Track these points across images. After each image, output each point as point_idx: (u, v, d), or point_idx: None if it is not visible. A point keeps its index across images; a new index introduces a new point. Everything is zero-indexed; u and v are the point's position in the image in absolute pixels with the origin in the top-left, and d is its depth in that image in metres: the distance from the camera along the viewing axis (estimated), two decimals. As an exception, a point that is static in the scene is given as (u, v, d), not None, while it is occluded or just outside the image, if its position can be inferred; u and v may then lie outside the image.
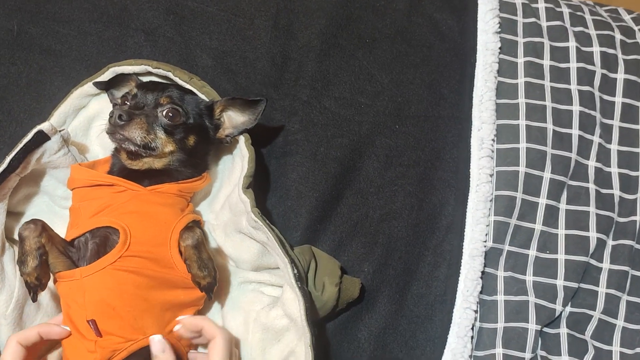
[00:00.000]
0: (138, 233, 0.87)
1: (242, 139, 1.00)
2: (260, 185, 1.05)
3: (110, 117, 0.89)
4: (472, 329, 1.09)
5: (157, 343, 0.83)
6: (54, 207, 1.04)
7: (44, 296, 0.97)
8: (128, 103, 0.96)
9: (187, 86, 1.01)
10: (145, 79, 1.06)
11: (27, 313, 0.96)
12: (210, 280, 0.86)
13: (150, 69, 1.02)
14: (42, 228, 0.86)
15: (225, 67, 1.19)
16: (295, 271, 0.91)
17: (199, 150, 0.98)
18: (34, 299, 0.86)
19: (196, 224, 0.93)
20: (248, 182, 0.97)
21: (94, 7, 1.18)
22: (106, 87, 1.04)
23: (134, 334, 0.85)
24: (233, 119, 1.00)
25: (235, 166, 1.04)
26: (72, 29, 1.17)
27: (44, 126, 0.91)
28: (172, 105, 0.93)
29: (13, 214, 1.01)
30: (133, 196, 0.91)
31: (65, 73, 1.14)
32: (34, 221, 0.86)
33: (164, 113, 0.93)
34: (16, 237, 1.00)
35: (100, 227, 0.88)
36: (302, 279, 0.93)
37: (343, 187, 1.16)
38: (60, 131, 0.96)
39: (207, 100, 1.00)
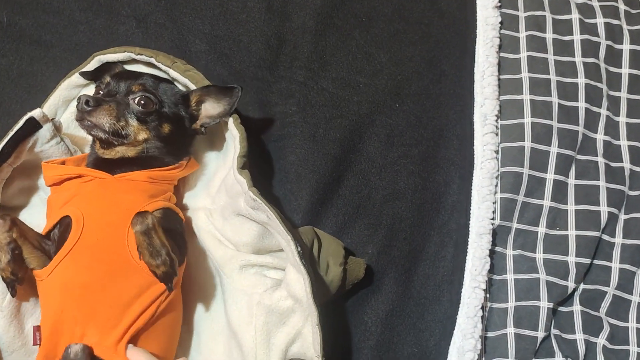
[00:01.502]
0: (94, 221, 0.86)
1: (230, 120, 1.01)
2: (258, 169, 1.06)
3: (78, 102, 0.90)
4: (482, 308, 1.09)
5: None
6: (48, 200, 1.05)
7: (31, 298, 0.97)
8: (101, 92, 0.97)
9: (171, 71, 1.02)
10: (133, 67, 1.08)
11: (25, 306, 0.96)
12: (166, 269, 0.82)
13: (133, 55, 1.04)
14: (12, 222, 0.86)
15: (219, 51, 1.20)
16: (299, 249, 0.92)
17: (175, 139, 0.98)
18: (13, 294, 0.87)
19: (168, 212, 0.92)
20: (242, 163, 0.98)
21: (83, -5, 1.20)
22: (93, 77, 1.05)
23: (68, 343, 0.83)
24: (209, 109, 1.01)
25: (228, 148, 1.04)
26: (62, 19, 1.19)
27: (35, 113, 0.93)
28: (143, 92, 0.94)
29: (8, 209, 1.02)
30: (98, 184, 0.92)
31: (56, 63, 1.16)
32: (3, 216, 0.87)
33: (136, 100, 0.94)
34: None
35: (64, 217, 0.88)
36: (306, 257, 0.93)
37: (344, 168, 1.17)
38: (52, 120, 0.97)
39: (186, 89, 1.01)
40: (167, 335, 0.92)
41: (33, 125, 0.92)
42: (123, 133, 0.92)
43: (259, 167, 1.09)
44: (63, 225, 0.88)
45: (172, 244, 0.85)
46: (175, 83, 1.04)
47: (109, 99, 0.93)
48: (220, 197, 1.03)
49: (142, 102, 0.94)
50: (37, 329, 0.88)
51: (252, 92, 1.18)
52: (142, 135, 0.95)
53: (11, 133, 0.91)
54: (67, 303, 0.84)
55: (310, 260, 0.98)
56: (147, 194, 0.92)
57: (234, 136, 1.00)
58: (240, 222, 1.00)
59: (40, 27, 1.18)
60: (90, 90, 1.07)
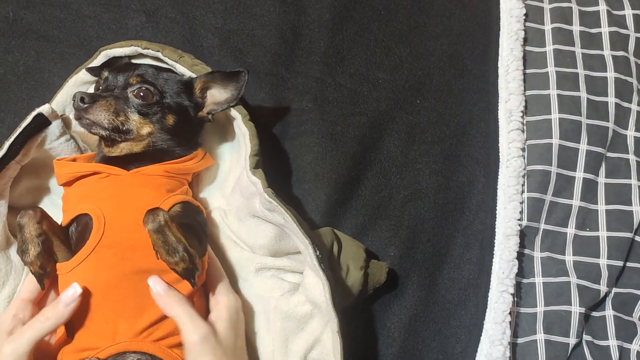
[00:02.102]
0: (115, 219, 0.84)
1: (239, 117, 0.97)
2: (274, 168, 1.03)
3: (73, 100, 0.87)
4: (510, 314, 1.05)
5: None
6: (57, 200, 1.02)
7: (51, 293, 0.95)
8: (101, 87, 0.94)
9: (178, 66, 0.99)
10: (141, 61, 1.04)
11: (34, 308, 0.94)
12: (186, 265, 0.80)
13: (139, 49, 1.00)
14: (42, 215, 0.84)
15: (232, 46, 1.17)
16: (318, 253, 0.88)
17: (182, 129, 0.94)
18: (43, 287, 0.85)
19: (187, 206, 0.89)
20: (255, 162, 0.94)
21: (91, -12, 1.17)
22: (99, 73, 1.02)
23: (102, 341, 0.82)
24: (216, 96, 0.97)
25: (240, 147, 1.01)
26: (70, 13, 1.16)
27: (44, 109, 0.90)
28: (142, 84, 0.90)
29: (16, 211, 0.98)
30: (114, 181, 0.89)
31: (64, 59, 1.13)
32: (33, 208, 0.85)
33: (135, 93, 0.90)
34: None
35: (81, 214, 0.86)
36: (325, 261, 0.90)
37: (363, 167, 1.13)
38: (61, 116, 0.94)
39: (186, 77, 0.97)
40: None
41: (41, 122, 0.90)
42: (124, 128, 0.89)
43: (275, 167, 1.05)
44: (81, 224, 0.86)
45: (190, 238, 0.82)
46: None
47: (106, 94, 0.90)
48: (235, 198, 1.00)
49: (142, 94, 0.90)
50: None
51: (266, 89, 1.15)
52: (146, 129, 0.91)
53: (19, 130, 0.88)
54: (94, 301, 0.83)
55: (329, 263, 0.95)
56: (165, 189, 0.90)
57: (243, 134, 0.96)
58: (256, 224, 0.97)
59: (47, 21, 1.15)
60: None
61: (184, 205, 0.89)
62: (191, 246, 0.81)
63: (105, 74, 0.94)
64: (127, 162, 0.91)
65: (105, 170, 0.89)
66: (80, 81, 1.03)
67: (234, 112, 0.97)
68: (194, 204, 0.92)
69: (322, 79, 1.17)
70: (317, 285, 0.90)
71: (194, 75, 0.98)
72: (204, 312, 0.88)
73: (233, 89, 0.95)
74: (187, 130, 0.96)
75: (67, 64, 1.12)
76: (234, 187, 1.01)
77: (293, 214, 0.90)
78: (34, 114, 0.89)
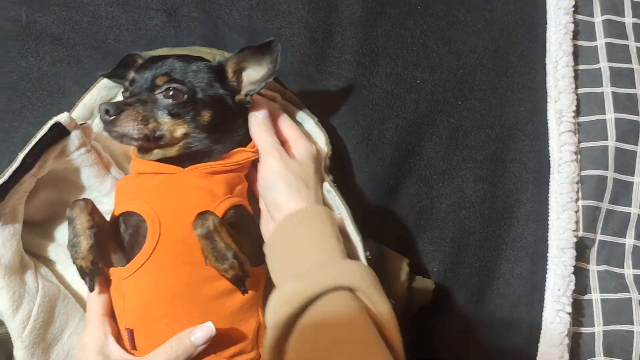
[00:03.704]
0: (169, 221, 0.82)
1: (312, 122, 0.97)
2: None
3: (99, 112, 0.82)
4: (567, 335, 0.98)
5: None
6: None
7: (78, 310, 0.91)
8: (129, 91, 0.88)
9: None
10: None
11: (52, 333, 0.89)
12: (235, 272, 0.77)
13: None
14: (93, 206, 0.82)
15: (258, 47, 1.11)
16: (367, 253, 0.84)
17: (219, 123, 0.88)
18: (92, 288, 0.81)
19: (242, 210, 0.86)
20: (328, 164, 0.95)
21: (107, -12, 1.12)
22: (114, 74, 0.96)
23: None
24: (252, 75, 0.90)
25: None
26: (86, 15, 1.11)
27: (62, 118, 0.84)
28: (170, 83, 0.84)
29: (31, 226, 0.94)
30: (166, 180, 0.85)
31: (80, 63, 1.09)
32: (83, 199, 0.82)
33: (163, 94, 0.84)
34: (39, 251, 0.94)
35: (132, 212, 0.84)
36: (372, 265, 0.84)
37: (402, 175, 1.07)
38: (81, 124, 0.88)
39: (214, 63, 0.90)
40: None
41: (59, 132, 0.84)
42: (156, 135, 0.84)
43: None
44: (131, 226, 0.84)
45: (242, 244, 0.80)
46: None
47: (132, 100, 0.84)
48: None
49: (171, 93, 0.84)
50: (130, 332, 0.82)
51: (296, 91, 1.09)
52: (180, 131, 0.85)
53: (34, 140, 0.82)
54: (156, 309, 0.81)
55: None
56: (222, 187, 0.85)
57: (317, 138, 0.96)
58: None
59: (62, 24, 1.10)
60: None
61: (239, 209, 0.85)
62: (243, 252, 0.78)
63: (132, 75, 0.88)
64: (180, 158, 0.87)
65: (166, 170, 0.86)
66: (112, 84, 0.99)
67: (302, 115, 0.98)
68: (245, 208, 0.88)
69: (355, 80, 1.11)
70: None
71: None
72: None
73: (268, 62, 0.88)
74: (225, 122, 0.89)
75: (84, 68, 1.08)
76: None
77: (349, 209, 0.88)
78: (51, 123, 0.83)
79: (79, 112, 0.96)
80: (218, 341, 0.79)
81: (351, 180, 1.05)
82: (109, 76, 0.97)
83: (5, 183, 0.81)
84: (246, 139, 0.90)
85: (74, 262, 0.81)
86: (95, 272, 0.81)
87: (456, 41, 1.15)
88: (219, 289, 0.82)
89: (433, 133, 1.10)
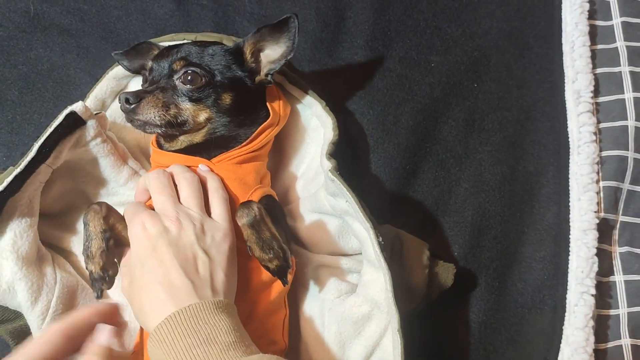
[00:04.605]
0: None
1: (319, 106, 0.95)
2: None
3: (120, 102, 0.81)
4: (592, 317, 0.96)
5: None
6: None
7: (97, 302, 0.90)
8: (148, 80, 0.88)
9: None
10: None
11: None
12: (280, 262, 0.76)
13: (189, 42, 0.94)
14: (108, 210, 0.81)
15: (269, 33, 1.10)
16: (380, 239, 0.82)
17: (241, 105, 0.87)
18: (99, 295, 0.80)
19: (272, 199, 0.85)
20: (332, 150, 0.92)
21: (115, -23, 1.11)
22: (127, 56, 0.95)
23: None
24: (270, 54, 0.89)
25: (307, 143, 0.98)
26: (94, 5, 1.11)
27: (77, 107, 0.83)
28: (187, 67, 0.83)
29: (49, 217, 0.92)
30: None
31: (89, 53, 1.08)
32: (98, 203, 0.81)
33: (182, 79, 0.84)
34: (57, 243, 0.93)
35: None
36: (387, 250, 0.83)
37: (419, 159, 1.06)
38: (96, 114, 0.87)
39: (232, 45, 0.89)
40: None
41: (74, 121, 0.83)
42: (179, 120, 0.83)
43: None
44: None
45: (281, 235, 0.78)
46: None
47: (152, 87, 0.83)
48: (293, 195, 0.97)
49: (189, 78, 0.83)
50: None
51: (308, 77, 1.08)
52: (203, 116, 0.84)
53: (49, 130, 0.81)
54: None
55: (391, 263, 0.87)
56: (252, 176, 0.85)
57: (324, 123, 0.94)
58: (317, 220, 0.93)
59: (70, 14, 1.10)
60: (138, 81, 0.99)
61: (270, 199, 0.84)
62: (283, 242, 0.77)
63: (150, 64, 0.88)
64: (201, 148, 0.86)
65: (190, 163, 0.84)
66: (122, 74, 0.98)
67: (309, 100, 0.95)
68: (275, 198, 0.87)
69: (368, 64, 1.10)
70: (376, 281, 0.86)
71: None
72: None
73: (286, 39, 0.88)
74: (247, 103, 0.88)
75: (94, 58, 1.07)
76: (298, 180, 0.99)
77: (356, 198, 0.85)
78: (65, 112, 0.82)
79: (90, 103, 0.96)
80: (256, 332, 0.77)
81: (368, 166, 1.04)
82: (122, 58, 0.96)
83: (20, 173, 0.80)
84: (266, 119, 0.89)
85: (86, 267, 0.80)
86: (104, 280, 0.79)
87: (470, 23, 1.14)
88: (264, 280, 0.80)
89: (449, 116, 1.08)
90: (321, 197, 0.91)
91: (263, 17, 1.11)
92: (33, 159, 0.81)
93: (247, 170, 0.85)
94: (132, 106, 0.80)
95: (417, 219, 1.03)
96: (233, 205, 0.81)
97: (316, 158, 0.96)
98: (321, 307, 0.90)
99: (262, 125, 0.88)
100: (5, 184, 0.79)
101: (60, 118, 0.82)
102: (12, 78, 1.05)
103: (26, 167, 0.80)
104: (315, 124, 0.98)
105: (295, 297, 0.93)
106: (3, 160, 1.01)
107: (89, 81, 1.04)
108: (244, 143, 0.86)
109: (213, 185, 0.82)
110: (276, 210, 0.85)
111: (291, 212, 0.96)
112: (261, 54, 0.90)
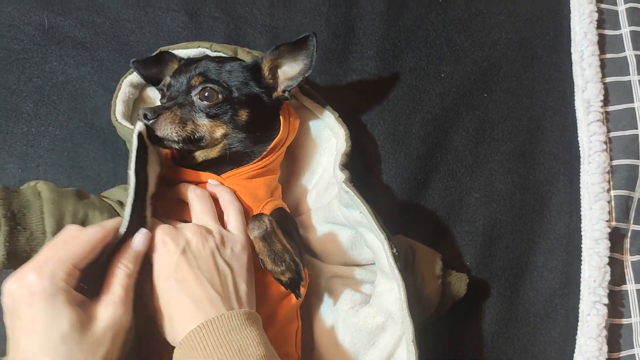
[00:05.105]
0: None
1: (332, 118, 0.96)
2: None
3: (138, 117, 0.81)
4: (605, 327, 0.97)
5: None
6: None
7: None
8: (166, 95, 0.88)
9: None
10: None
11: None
12: (292, 275, 0.75)
13: (207, 51, 0.95)
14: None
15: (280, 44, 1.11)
16: (394, 250, 0.82)
17: (257, 122, 0.88)
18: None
19: (284, 212, 0.85)
20: (345, 161, 0.92)
21: (128, -10, 1.12)
22: (146, 65, 0.95)
23: None
24: (287, 71, 0.90)
25: (319, 154, 0.98)
26: (107, 18, 1.12)
27: (141, 127, 0.79)
28: (205, 84, 0.84)
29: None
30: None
31: (103, 66, 1.09)
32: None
33: (199, 95, 0.84)
34: None
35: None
36: (401, 261, 0.84)
37: (430, 169, 1.06)
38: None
39: (250, 62, 0.90)
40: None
41: (143, 142, 0.78)
42: (196, 137, 0.83)
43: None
44: None
45: (293, 247, 0.78)
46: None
47: (170, 103, 0.84)
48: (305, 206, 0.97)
49: (207, 94, 0.84)
50: None
51: (318, 88, 1.09)
52: (219, 132, 0.85)
53: (133, 157, 0.75)
54: None
55: (404, 271, 0.88)
56: (263, 189, 0.85)
57: (336, 134, 0.95)
58: (329, 230, 0.93)
59: (84, 27, 1.11)
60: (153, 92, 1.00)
61: (282, 212, 0.85)
62: (296, 255, 0.77)
63: (168, 79, 0.88)
64: (215, 163, 0.86)
65: (200, 179, 0.85)
66: (137, 81, 0.97)
67: (324, 112, 0.96)
68: (287, 210, 0.88)
69: (379, 75, 1.11)
70: (390, 292, 0.86)
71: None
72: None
73: (304, 57, 0.88)
74: (263, 120, 0.89)
75: (107, 70, 1.08)
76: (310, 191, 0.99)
77: (370, 209, 0.86)
78: (136, 137, 0.77)
79: (120, 108, 0.94)
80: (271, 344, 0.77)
81: (379, 176, 1.05)
82: (139, 66, 0.95)
83: (134, 204, 0.73)
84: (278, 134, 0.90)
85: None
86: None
87: (479, 33, 1.15)
88: (278, 294, 0.81)
89: (459, 126, 1.09)
90: (334, 208, 0.91)
91: (274, 29, 1.12)
92: (136, 186, 0.74)
93: (258, 184, 0.86)
94: (150, 122, 0.80)
95: (429, 229, 1.03)
96: (245, 219, 0.81)
97: (328, 169, 0.97)
98: (335, 318, 0.91)
99: (274, 142, 0.88)
100: (126, 223, 0.72)
101: (135, 144, 0.76)
102: (27, 91, 1.06)
103: (135, 196, 0.73)
104: (328, 134, 0.99)
105: (308, 308, 0.93)
106: (19, 172, 1.02)
107: (103, 93, 1.05)
108: (256, 160, 0.87)
109: (227, 198, 0.82)
110: (288, 222, 0.85)
111: (303, 223, 0.96)
112: (279, 70, 0.90)
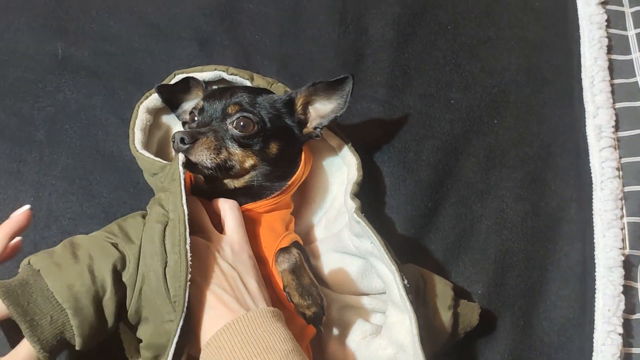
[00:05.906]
0: None
1: (345, 148, 0.96)
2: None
3: (173, 141, 0.81)
4: (620, 356, 0.95)
5: None
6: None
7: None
8: (196, 119, 0.88)
9: None
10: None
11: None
12: (317, 309, 0.75)
13: (224, 75, 0.95)
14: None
15: (290, 72, 1.12)
16: (406, 282, 0.81)
17: (285, 156, 0.88)
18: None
19: (299, 245, 0.85)
20: (356, 190, 0.92)
21: (140, 20, 1.14)
22: (168, 97, 0.96)
23: None
24: (320, 109, 0.91)
25: (330, 183, 0.98)
26: (120, 47, 1.13)
27: (183, 158, 0.80)
28: (241, 113, 0.84)
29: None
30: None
31: (115, 95, 1.10)
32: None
33: (234, 124, 0.84)
34: None
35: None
36: (412, 292, 0.83)
37: (440, 196, 1.06)
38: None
39: (284, 96, 0.91)
40: None
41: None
42: (227, 165, 0.83)
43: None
44: None
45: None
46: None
47: (205, 129, 0.83)
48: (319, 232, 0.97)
49: (242, 124, 0.84)
50: None
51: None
52: (249, 162, 0.85)
53: (182, 189, 0.76)
54: None
55: (415, 303, 0.87)
56: (279, 223, 0.85)
57: (348, 163, 0.95)
58: (339, 260, 0.93)
59: (97, 57, 1.12)
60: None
61: (297, 245, 0.85)
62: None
63: (201, 103, 0.88)
64: (234, 193, 0.86)
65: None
66: (152, 106, 0.97)
67: (337, 141, 0.97)
68: (301, 244, 0.87)
69: (388, 102, 1.11)
70: (402, 323, 0.84)
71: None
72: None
73: (338, 97, 0.89)
74: (289, 155, 0.89)
75: (120, 99, 1.09)
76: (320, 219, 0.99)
77: (382, 239, 0.85)
78: (181, 167, 0.77)
79: (138, 136, 0.93)
80: None
81: (388, 204, 1.04)
82: (163, 91, 0.95)
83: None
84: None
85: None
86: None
87: (489, 59, 1.15)
88: (296, 329, 0.79)
89: (470, 153, 1.08)
90: (345, 237, 0.91)
91: (284, 57, 1.13)
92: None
93: (274, 217, 0.86)
94: (187, 146, 0.80)
95: (439, 257, 1.03)
96: (263, 252, 0.81)
97: (339, 197, 0.97)
98: (346, 349, 0.90)
99: (292, 179, 0.88)
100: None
101: (182, 173, 0.77)
102: (40, 119, 1.07)
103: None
104: (339, 163, 0.99)
105: (319, 339, 0.92)
106: (30, 200, 1.03)
107: (115, 122, 1.06)
108: (273, 195, 0.87)
109: (227, 205, 0.81)
110: (305, 256, 0.85)
111: (313, 252, 0.96)
112: (310, 107, 0.91)
